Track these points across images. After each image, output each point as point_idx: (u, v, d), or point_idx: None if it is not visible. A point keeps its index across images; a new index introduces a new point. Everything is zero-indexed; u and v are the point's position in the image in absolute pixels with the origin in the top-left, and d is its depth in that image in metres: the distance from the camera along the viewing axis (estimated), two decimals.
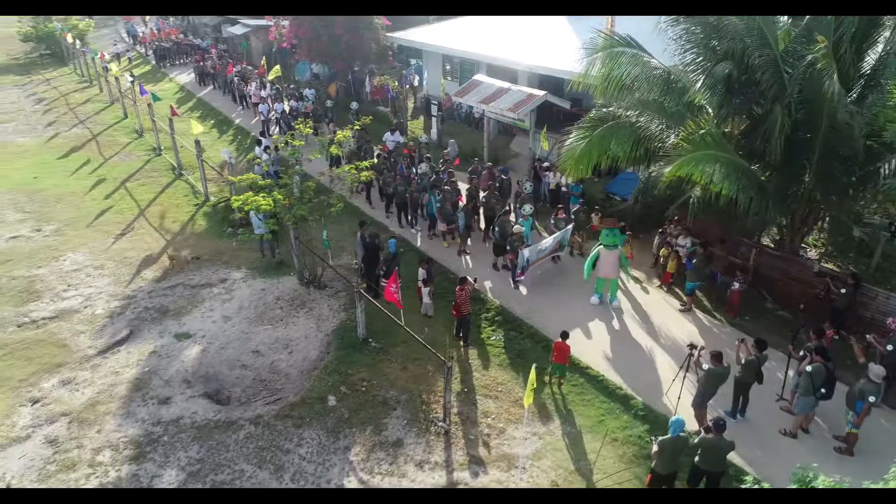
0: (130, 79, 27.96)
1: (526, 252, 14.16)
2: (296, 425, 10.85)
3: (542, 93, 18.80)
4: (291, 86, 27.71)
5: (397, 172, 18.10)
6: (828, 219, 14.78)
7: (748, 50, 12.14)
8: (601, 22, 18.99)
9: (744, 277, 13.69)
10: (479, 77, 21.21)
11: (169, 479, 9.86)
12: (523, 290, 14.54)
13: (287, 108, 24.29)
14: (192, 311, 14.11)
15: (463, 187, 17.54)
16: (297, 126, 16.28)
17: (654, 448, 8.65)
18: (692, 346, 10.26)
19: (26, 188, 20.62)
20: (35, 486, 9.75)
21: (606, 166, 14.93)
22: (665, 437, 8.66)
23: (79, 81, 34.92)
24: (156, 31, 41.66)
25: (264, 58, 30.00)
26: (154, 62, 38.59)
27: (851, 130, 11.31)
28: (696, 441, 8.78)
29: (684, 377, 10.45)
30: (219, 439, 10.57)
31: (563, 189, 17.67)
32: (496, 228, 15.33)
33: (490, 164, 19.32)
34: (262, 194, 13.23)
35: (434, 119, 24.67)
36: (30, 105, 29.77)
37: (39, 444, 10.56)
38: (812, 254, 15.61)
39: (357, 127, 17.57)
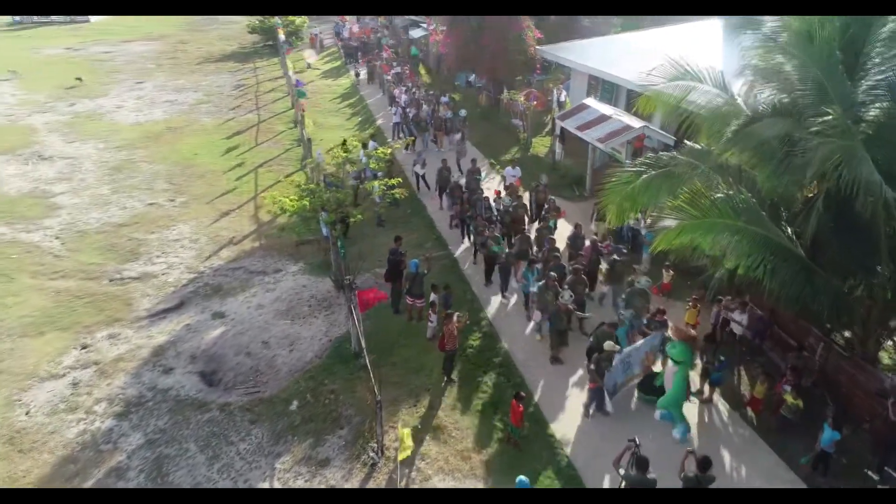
0: (295, 72, 31.03)
1: (616, 371, 11.17)
2: (251, 421, 11.59)
3: (640, 124, 17.20)
4: (431, 91, 28.60)
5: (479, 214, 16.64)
6: None
7: (805, 107, 9.96)
8: None
9: (796, 374, 11.33)
10: (587, 101, 20.04)
11: (133, 441, 11.22)
12: (536, 335, 13.60)
13: (401, 115, 25.08)
14: (237, 295, 15.61)
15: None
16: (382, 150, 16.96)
17: None
18: (632, 441, 8.90)
19: (184, 163, 24.21)
20: (44, 419, 11.73)
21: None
22: None
23: (278, 73, 39.75)
24: (355, 31, 45.54)
25: (420, 63, 31.36)
26: (344, 59, 42.32)
27: None
28: None
29: (620, 473, 9.08)
30: (186, 416, 11.72)
31: (641, 230, 15.95)
32: (591, 337, 12.28)
33: (597, 237, 16.11)
34: (296, 196, 14.13)
35: (557, 140, 23.79)
36: (228, 90, 34.66)
37: (66, 384, 12.67)
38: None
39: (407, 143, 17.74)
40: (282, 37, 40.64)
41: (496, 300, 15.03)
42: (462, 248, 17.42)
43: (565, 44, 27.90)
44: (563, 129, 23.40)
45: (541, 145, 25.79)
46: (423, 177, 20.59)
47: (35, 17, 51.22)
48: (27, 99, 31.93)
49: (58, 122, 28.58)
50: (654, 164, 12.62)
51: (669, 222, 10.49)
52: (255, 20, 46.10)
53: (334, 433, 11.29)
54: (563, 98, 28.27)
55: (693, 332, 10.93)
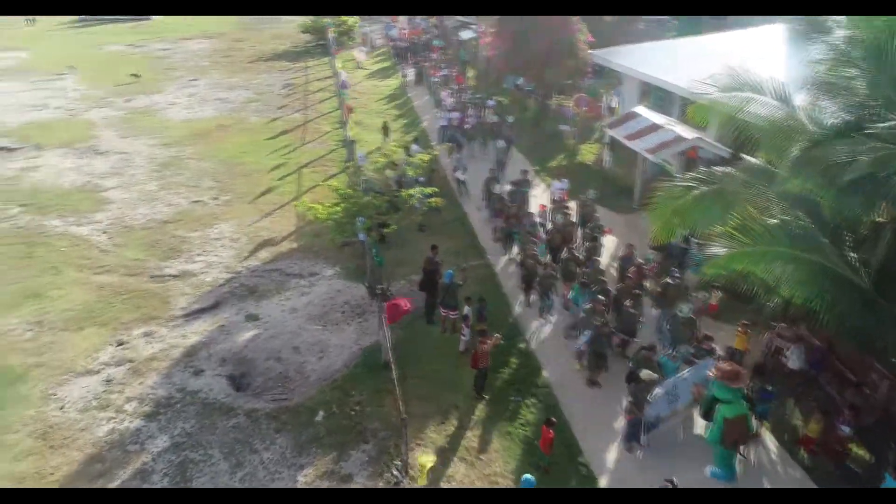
0: (344, 73, 31.08)
1: (659, 402, 10.39)
2: (276, 429, 11.43)
3: (692, 135, 16.38)
4: (478, 95, 28.12)
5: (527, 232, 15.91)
6: None
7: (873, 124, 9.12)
8: None
9: (855, 413, 10.47)
10: (638, 109, 19.27)
11: (159, 443, 11.20)
12: (576, 364, 13.00)
13: (447, 119, 24.65)
14: (272, 297, 15.55)
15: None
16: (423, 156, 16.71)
17: None
18: (669, 482, 8.30)
19: (231, 161, 24.46)
20: (76, 416, 11.86)
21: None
22: None
23: (328, 73, 40.03)
24: (405, 32, 45.49)
25: (466, 65, 30.96)
26: (394, 60, 42.32)
27: None
28: None
29: None
30: (213, 420, 11.65)
31: (689, 248, 15.13)
32: (631, 363, 11.59)
33: (642, 261, 14.78)
34: (331, 202, 13.95)
35: (606, 147, 23.03)
36: (278, 89, 35.03)
37: (100, 380, 12.79)
38: None
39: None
40: (331, 37, 40.88)
41: (534, 317, 14.48)
42: (503, 261, 16.89)
43: (618, 48, 27.09)
44: (612, 137, 22.67)
45: (589, 152, 25.06)
46: (465, 183, 20.22)
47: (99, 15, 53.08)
48: (88, 94, 32.95)
49: (114, 117, 29.37)
50: (707, 179, 11.88)
51: (719, 249, 9.81)
52: (307, 20, 46.56)
53: (358, 448, 11.02)
54: (614, 104, 27.44)
55: (739, 369, 10.10)
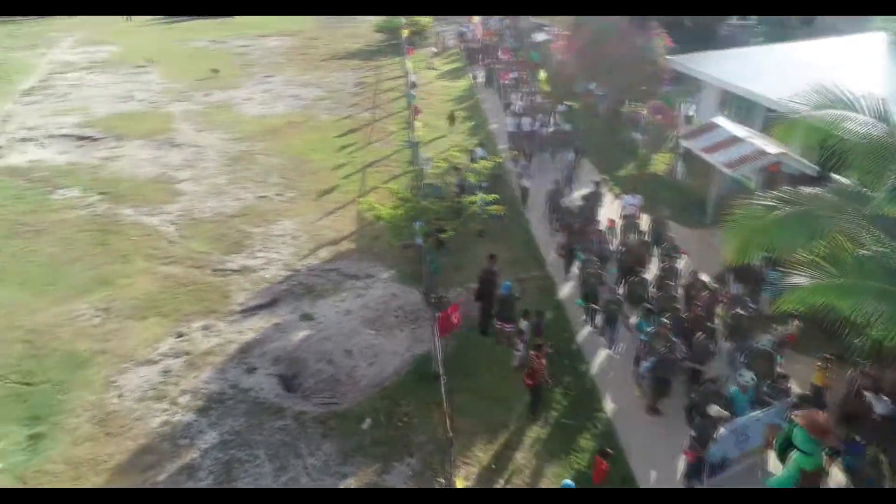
0: (413, 74, 31.01)
1: (726, 442, 9.59)
2: (322, 434, 11.32)
3: (776, 150, 15.27)
4: (548, 100, 27.39)
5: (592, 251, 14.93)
6: None
7: None
8: None
9: None
10: (718, 120, 18.18)
11: (208, 439, 11.30)
12: (635, 389, 12.28)
13: (516, 126, 24.03)
14: (328, 297, 15.54)
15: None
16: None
17: None
18: None
19: (298, 158, 24.81)
20: (133, 405, 12.14)
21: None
22: None
23: (399, 72, 40.21)
24: (478, 33, 45.12)
25: (538, 68, 30.32)
26: (465, 61, 42.07)
27: None
28: None
29: None
30: (261, 420, 11.66)
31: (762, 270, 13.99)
32: (693, 395, 10.69)
33: (717, 286, 13.67)
34: (392, 205, 13.76)
35: (680, 158, 21.96)
36: (349, 87, 35.40)
37: (158, 371, 13.07)
38: None
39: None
40: (404, 36, 41.03)
41: (597, 339, 13.77)
42: (564, 278, 16.02)
43: (699, 54, 25.86)
44: (686, 148, 21.60)
45: (660, 162, 24.00)
46: (528, 190, 19.65)
47: None
48: (170, 88, 34.29)
49: (193, 110, 30.40)
50: (792, 199, 10.94)
51: (801, 278, 8.96)
52: (381, 19, 46.99)
53: (403, 461, 10.76)
54: (690, 112, 26.17)
55: (829, 426, 9.07)
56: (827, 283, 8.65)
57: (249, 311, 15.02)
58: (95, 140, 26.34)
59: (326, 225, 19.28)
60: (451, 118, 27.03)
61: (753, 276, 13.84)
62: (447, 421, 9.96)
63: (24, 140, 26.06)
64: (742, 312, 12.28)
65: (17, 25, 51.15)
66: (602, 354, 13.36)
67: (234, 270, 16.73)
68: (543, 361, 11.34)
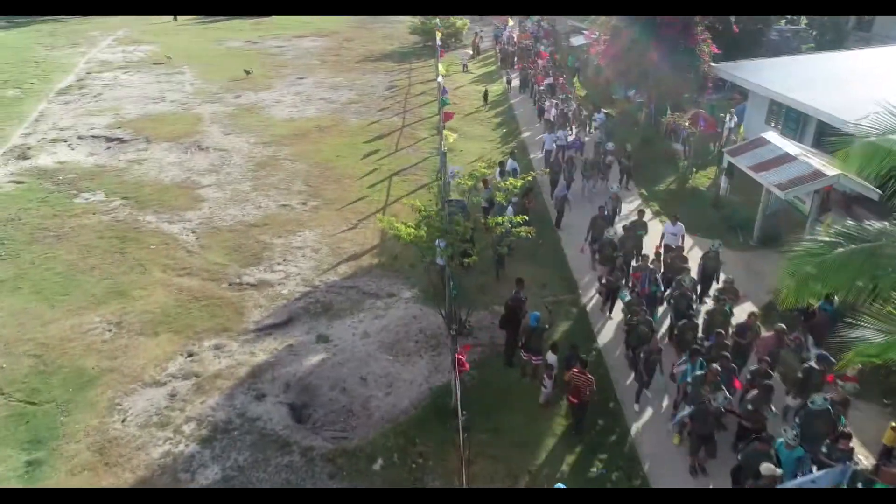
0: (441, 77, 30.14)
1: None
2: (330, 474, 10.56)
3: (834, 172, 13.96)
4: (584, 112, 26.10)
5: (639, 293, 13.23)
6: None
7: None
8: None
9: None
10: (768, 135, 16.85)
11: (209, 474, 10.64)
12: (674, 436, 11.18)
13: (552, 140, 22.76)
14: (346, 317, 14.79)
15: None
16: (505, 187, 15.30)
17: None
18: None
19: (325, 164, 24.18)
20: (136, 431, 11.55)
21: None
22: None
23: (432, 76, 39.40)
24: (514, 35, 44.04)
25: (576, 73, 29.14)
26: (499, 64, 41.07)
27: None
28: None
29: None
30: (267, 455, 10.95)
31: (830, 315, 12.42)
32: (741, 455, 9.54)
33: (782, 327, 11.72)
34: (413, 223, 12.95)
35: (724, 173, 20.58)
36: (380, 90, 34.73)
37: (165, 394, 12.48)
38: None
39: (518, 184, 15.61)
40: (438, 39, 40.13)
41: (632, 385, 12.48)
42: (600, 316, 14.67)
43: (746, 62, 24.55)
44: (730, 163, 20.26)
45: (704, 176, 22.69)
46: (565, 205, 18.49)
47: None
48: (202, 89, 34.13)
49: (222, 112, 30.09)
50: (857, 235, 9.75)
51: (868, 331, 7.85)
52: (416, 20, 46.26)
53: None
54: (732, 125, 24.70)
55: None
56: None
57: (263, 331, 14.35)
58: (124, 142, 26.17)
59: (349, 238, 18.56)
60: (486, 96, 29.69)
61: (824, 322, 12.36)
62: (463, 469, 9.09)
63: (54, 140, 26.02)
64: (814, 366, 10.73)
65: (61, 24, 51.99)
66: (648, 413, 12.04)
67: (251, 285, 16.11)
68: (589, 376, 10.49)
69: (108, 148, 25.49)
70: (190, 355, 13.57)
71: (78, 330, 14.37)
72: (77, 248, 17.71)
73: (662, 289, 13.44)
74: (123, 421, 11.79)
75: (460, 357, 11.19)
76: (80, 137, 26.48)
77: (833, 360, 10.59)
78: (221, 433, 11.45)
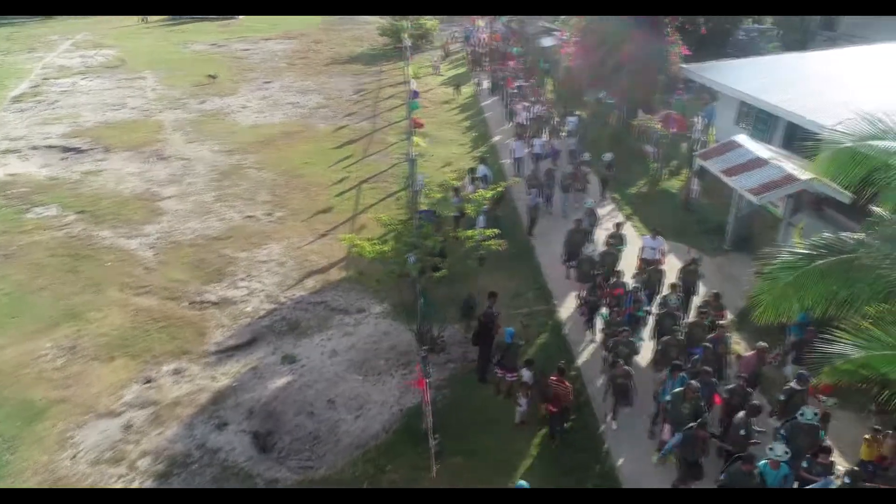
0: (413, 80, 29.65)
1: None
2: None
3: (806, 176, 13.78)
4: (555, 117, 25.67)
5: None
6: None
7: None
8: None
9: None
10: (739, 138, 16.65)
11: None
12: (654, 457, 10.84)
13: (521, 152, 22.16)
14: (313, 335, 14.21)
15: None
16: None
17: None
18: None
19: (291, 172, 23.47)
20: (86, 469, 10.84)
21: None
22: None
23: (402, 78, 38.82)
24: (483, 37, 43.61)
25: (546, 76, 28.83)
26: (469, 66, 40.61)
27: None
28: None
29: None
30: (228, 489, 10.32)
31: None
32: (723, 477, 9.10)
33: (764, 345, 11.42)
34: (377, 239, 12.43)
35: (694, 176, 20.36)
36: (349, 94, 34.05)
37: (119, 425, 11.78)
38: None
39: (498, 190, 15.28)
40: (406, 41, 39.56)
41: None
42: (582, 337, 13.87)
43: (715, 63, 24.47)
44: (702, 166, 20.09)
45: (676, 178, 22.49)
46: (538, 212, 18.12)
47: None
48: (165, 94, 33.13)
49: (184, 119, 29.19)
50: (834, 246, 9.50)
51: (846, 347, 7.59)
52: (385, 21, 45.57)
53: None
54: (702, 126, 24.58)
55: None
56: (879, 356, 7.28)
57: (226, 353, 13.71)
58: (81, 152, 25.17)
59: (316, 250, 17.94)
60: (457, 87, 30.13)
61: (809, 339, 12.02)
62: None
63: (5, 152, 24.92)
64: (796, 388, 10.34)
65: (17, 28, 50.22)
66: (625, 432, 11.49)
67: (213, 303, 15.42)
68: (568, 385, 10.35)
69: (64, 158, 24.48)
70: (147, 381, 12.87)
71: (29, 356, 13.58)
72: (27, 267, 16.83)
73: (648, 305, 13.05)
74: (74, 458, 11.07)
75: (419, 384, 10.62)
76: (33, 148, 25.41)
77: (808, 377, 10.36)
78: (179, 467, 10.81)
